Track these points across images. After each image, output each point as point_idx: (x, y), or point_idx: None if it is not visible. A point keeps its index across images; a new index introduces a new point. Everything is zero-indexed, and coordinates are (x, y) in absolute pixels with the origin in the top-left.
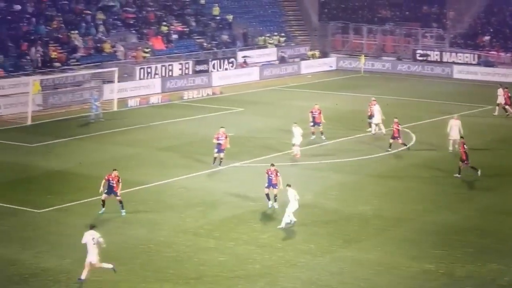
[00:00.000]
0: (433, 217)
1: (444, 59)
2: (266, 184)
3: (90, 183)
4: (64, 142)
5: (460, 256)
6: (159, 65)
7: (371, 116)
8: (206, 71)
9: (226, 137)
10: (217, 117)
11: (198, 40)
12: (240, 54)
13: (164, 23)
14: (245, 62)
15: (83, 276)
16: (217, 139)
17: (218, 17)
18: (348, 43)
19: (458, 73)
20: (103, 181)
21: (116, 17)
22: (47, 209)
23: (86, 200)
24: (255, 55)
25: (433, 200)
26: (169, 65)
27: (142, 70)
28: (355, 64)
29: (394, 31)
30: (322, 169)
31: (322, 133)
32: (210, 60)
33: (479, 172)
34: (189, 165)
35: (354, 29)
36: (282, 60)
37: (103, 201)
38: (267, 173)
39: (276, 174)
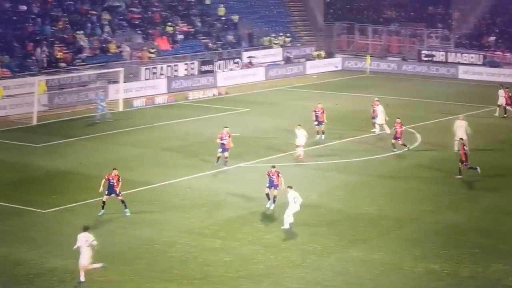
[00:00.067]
0: (438, 218)
1: (449, 60)
2: (267, 185)
3: (95, 183)
4: (69, 142)
5: (465, 256)
6: (164, 66)
7: (374, 116)
8: (212, 71)
9: (229, 137)
10: (223, 118)
11: (203, 41)
12: (245, 55)
13: (170, 23)
14: (250, 62)
15: (82, 278)
16: (221, 138)
17: (223, 18)
18: (353, 44)
19: (463, 73)
20: (103, 180)
21: (121, 17)
22: (52, 209)
23: (91, 201)
24: (261, 56)
25: (438, 201)
26: (174, 65)
27: (147, 70)
28: (361, 65)
29: (400, 31)
30: (326, 170)
31: (323, 133)
32: (215, 60)
33: (478, 170)
34: (194, 165)
35: (360, 29)
36: (287, 60)
37: (104, 202)
38: (268, 175)
39: (278, 176)
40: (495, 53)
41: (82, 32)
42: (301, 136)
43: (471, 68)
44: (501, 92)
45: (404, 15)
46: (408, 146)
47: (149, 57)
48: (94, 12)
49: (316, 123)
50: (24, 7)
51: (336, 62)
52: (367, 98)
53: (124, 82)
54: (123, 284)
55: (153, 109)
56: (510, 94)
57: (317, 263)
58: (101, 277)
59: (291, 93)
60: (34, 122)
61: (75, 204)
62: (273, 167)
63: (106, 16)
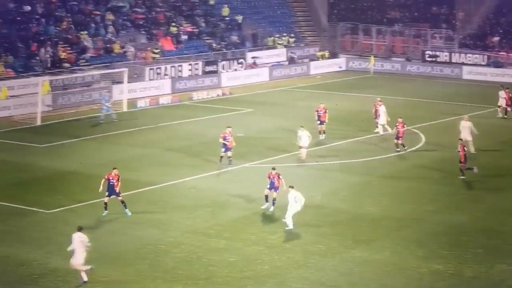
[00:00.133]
0: (442, 218)
1: (453, 60)
2: (268, 186)
3: (99, 183)
4: (73, 143)
5: (469, 256)
6: (168, 66)
7: (377, 117)
8: (216, 71)
9: (231, 136)
10: (227, 118)
11: (207, 41)
12: (249, 55)
13: (174, 23)
14: (254, 62)
15: (85, 278)
16: (224, 138)
17: (227, 18)
18: (357, 44)
19: (467, 74)
20: (103, 180)
21: (125, 17)
22: (56, 210)
23: (94, 201)
24: (265, 56)
25: (441, 201)
26: (178, 65)
27: (151, 71)
28: (365, 65)
29: (403, 32)
30: (330, 170)
31: (324, 132)
32: (219, 60)
33: (475, 170)
34: (198, 166)
35: (364, 30)
36: (291, 60)
37: (106, 203)
38: (269, 177)
39: (278, 178)
40: (499, 53)
41: (86, 32)
42: (304, 137)
43: (475, 69)
44: (502, 93)
45: (408, 15)
46: (405, 148)
47: (153, 58)
48: (98, 13)
49: (318, 122)
50: (28, 8)
51: (340, 63)
52: (371, 99)
53: (128, 82)
54: (127, 284)
55: (157, 110)
56: (510, 95)
57: (321, 264)
58: (105, 277)
59: (295, 93)
60: (38, 123)
61: (78, 204)
62: (274, 169)
63: (110, 16)
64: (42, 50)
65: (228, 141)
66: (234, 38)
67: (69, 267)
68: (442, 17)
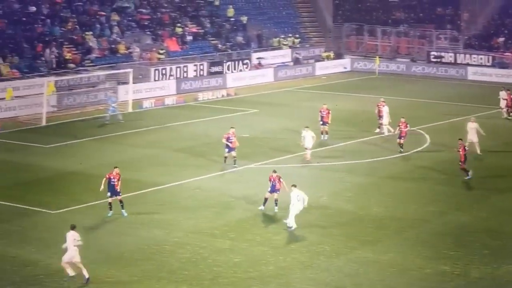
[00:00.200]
0: (448, 219)
1: (458, 61)
2: (269, 189)
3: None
4: (78, 143)
5: (475, 257)
6: (173, 67)
7: (380, 117)
8: (221, 72)
9: (235, 137)
10: (232, 119)
11: (212, 42)
12: (254, 56)
13: (179, 24)
14: (259, 63)
15: (86, 275)
16: (227, 139)
17: (232, 19)
18: (362, 45)
19: (473, 74)
20: (104, 179)
21: (130, 18)
22: (61, 210)
23: (99, 202)
24: (270, 57)
25: (447, 201)
26: (183, 66)
27: (157, 71)
28: (370, 66)
29: (408, 32)
30: (336, 171)
31: (327, 133)
32: (224, 61)
33: (470, 174)
34: (204, 166)
35: (369, 30)
36: (296, 61)
37: (110, 203)
38: (270, 180)
39: (279, 180)
40: (504, 54)
41: (91, 33)
42: (308, 137)
43: (480, 69)
44: (502, 94)
45: (413, 16)
46: (402, 149)
47: (158, 58)
48: (103, 13)
49: (321, 123)
50: (33, 8)
51: (345, 63)
52: (376, 99)
53: (134, 83)
54: (132, 284)
55: (163, 110)
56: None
57: (326, 264)
58: (110, 278)
59: (300, 94)
60: (43, 123)
61: (83, 205)
62: (274, 171)
63: (115, 17)
64: (47, 50)
65: (231, 142)
66: (239, 38)
67: (62, 265)
68: (447, 18)
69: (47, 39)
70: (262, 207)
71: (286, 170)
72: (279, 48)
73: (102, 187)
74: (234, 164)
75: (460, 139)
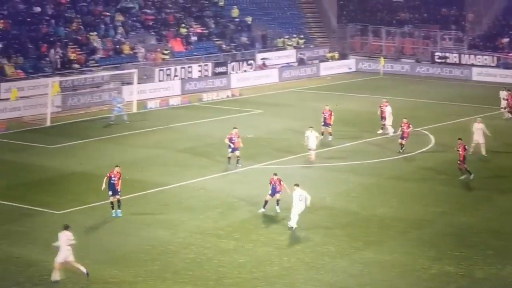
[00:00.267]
0: (451, 219)
1: (463, 61)
2: (270, 192)
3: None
4: (82, 144)
5: (480, 258)
6: (178, 67)
7: (383, 117)
8: (225, 73)
9: (238, 137)
10: (236, 119)
11: (217, 42)
12: (259, 56)
13: (183, 25)
14: (264, 64)
15: (84, 270)
16: (230, 139)
17: (237, 19)
18: (367, 45)
19: (477, 75)
20: (105, 178)
21: (135, 18)
22: (66, 211)
23: (104, 202)
24: (274, 57)
25: (451, 202)
26: (188, 67)
27: (161, 72)
28: (374, 66)
29: (413, 33)
30: (340, 171)
31: (330, 134)
32: (229, 62)
33: (471, 176)
34: (208, 167)
35: (373, 31)
36: (301, 62)
37: (112, 203)
38: (270, 183)
39: (280, 183)
40: (509, 54)
41: (95, 33)
42: (312, 137)
43: (484, 70)
44: (503, 94)
45: (418, 17)
46: (402, 151)
47: (163, 59)
48: (107, 14)
49: (323, 124)
50: (38, 9)
51: (349, 64)
52: (381, 100)
53: (138, 83)
54: (137, 285)
55: (167, 111)
56: None
57: (331, 265)
58: (115, 278)
59: (305, 94)
60: (48, 123)
61: (88, 205)
62: (275, 174)
63: (119, 17)
64: (52, 51)
65: (233, 142)
66: (244, 39)
67: (55, 265)
68: (452, 19)
69: (51, 39)
70: (262, 210)
71: (290, 170)
72: (283, 48)
73: (104, 185)
74: (237, 163)
75: (459, 138)
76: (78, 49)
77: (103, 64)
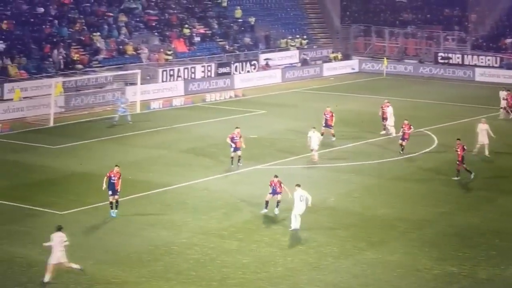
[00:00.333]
0: (455, 220)
1: (466, 62)
2: (270, 191)
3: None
4: (86, 144)
5: (483, 258)
6: (181, 68)
7: (384, 118)
8: (229, 73)
9: (240, 137)
10: (239, 119)
11: (220, 43)
12: (262, 57)
13: (187, 25)
14: (267, 64)
15: (78, 266)
16: (232, 139)
17: (240, 20)
18: (370, 46)
19: (480, 75)
20: (105, 178)
21: (138, 19)
22: (69, 211)
23: (107, 202)
24: (277, 58)
25: (454, 202)
26: (191, 67)
27: (164, 72)
28: (377, 67)
29: (416, 34)
30: (343, 172)
31: (333, 135)
32: (232, 62)
33: (457, 178)
34: (211, 167)
35: (376, 31)
36: (304, 62)
37: (111, 202)
38: (271, 185)
39: (280, 185)
40: None
41: (98, 34)
42: (314, 138)
43: (487, 71)
44: (502, 94)
45: (421, 17)
46: (403, 152)
47: (166, 59)
48: (110, 14)
49: (324, 125)
50: (41, 9)
51: (353, 64)
52: (383, 101)
53: (141, 84)
54: (140, 285)
55: (170, 111)
56: None
57: (334, 265)
58: (118, 279)
59: (308, 95)
60: (51, 124)
61: (92, 205)
62: (276, 176)
63: (122, 18)
64: (55, 51)
65: (235, 142)
66: (247, 40)
67: (47, 267)
68: (455, 19)
69: (55, 40)
70: (265, 210)
71: (293, 171)
72: (286, 49)
73: (104, 185)
74: (238, 162)
75: (458, 139)
76: (82, 50)
77: (106, 65)
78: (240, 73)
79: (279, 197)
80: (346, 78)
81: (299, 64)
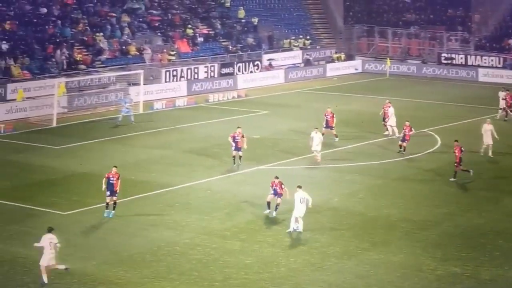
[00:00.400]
0: (459, 220)
1: (469, 62)
2: (272, 192)
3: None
4: (89, 144)
5: (486, 259)
6: (184, 68)
7: (385, 119)
8: (232, 73)
9: (242, 136)
10: (242, 120)
11: (223, 43)
12: (265, 57)
13: (190, 26)
14: (270, 65)
15: (45, 280)
16: (234, 138)
17: (243, 20)
18: (373, 46)
19: (483, 76)
20: (104, 179)
21: (141, 19)
22: (72, 211)
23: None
24: (280, 58)
25: (458, 203)
26: (194, 68)
27: (167, 72)
28: (381, 67)
29: (419, 34)
30: (346, 172)
31: (336, 136)
32: (235, 63)
33: (454, 179)
34: (214, 167)
35: (379, 32)
36: (307, 62)
37: (107, 203)
38: (272, 186)
39: (281, 187)
40: None
41: (101, 34)
42: (316, 139)
43: (491, 71)
44: (501, 95)
45: (424, 18)
46: (404, 152)
47: (169, 60)
48: (113, 14)
49: (325, 126)
50: (44, 10)
51: (356, 65)
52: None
53: (144, 84)
54: (143, 286)
55: (173, 112)
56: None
57: (338, 266)
58: (121, 279)
59: (311, 95)
60: (54, 124)
61: (94, 206)
62: (277, 178)
63: (125, 18)
64: (58, 52)
65: (236, 142)
66: (250, 40)
67: (41, 269)
68: (458, 20)
69: (58, 40)
70: (268, 211)
71: (296, 171)
72: (289, 49)
73: (104, 186)
74: (239, 161)
75: (456, 140)
76: (84, 50)
77: (109, 65)
78: (243, 73)
79: (278, 200)
80: (349, 78)
81: (302, 65)
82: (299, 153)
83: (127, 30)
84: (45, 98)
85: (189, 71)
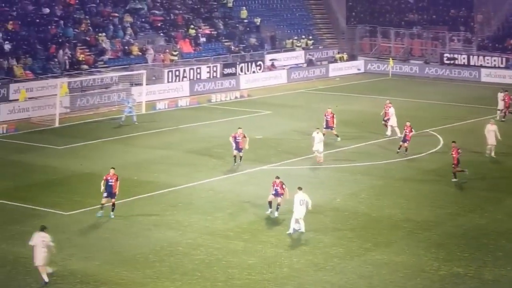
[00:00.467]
0: (462, 220)
1: (472, 63)
2: (273, 192)
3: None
4: (91, 145)
5: (489, 259)
6: (187, 68)
7: (386, 119)
8: (234, 74)
9: (244, 137)
10: (245, 120)
11: (226, 43)
12: (268, 57)
13: (192, 26)
14: (273, 65)
15: (46, 279)
16: (235, 139)
17: (246, 20)
18: (376, 47)
19: (486, 76)
20: (102, 181)
21: (143, 19)
22: (74, 211)
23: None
24: (283, 58)
25: (460, 203)
26: (197, 68)
27: (170, 73)
28: (383, 67)
29: (422, 34)
30: (349, 173)
31: (337, 136)
32: (238, 63)
33: (466, 172)
34: (217, 168)
35: (382, 32)
36: (309, 63)
37: (103, 204)
38: (273, 185)
39: (282, 187)
40: None
41: (104, 34)
42: (318, 139)
43: (493, 71)
44: (500, 96)
45: (426, 18)
46: (407, 152)
47: (172, 60)
48: (116, 15)
49: (325, 126)
50: (47, 10)
51: (358, 65)
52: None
53: (147, 84)
54: (146, 286)
55: (176, 112)
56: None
57: (341, 266)
58: (123, 280)
59: (314, 95)
60: (56, 124)
61: (97, 206)
62: (278, 178)
63: (128, 18)
64: (61, 52)
65: (237, 142)
66: (253, 40)
67: (38, 268)
68: (461, 20)
69: (60, 40)
70: (268, 211)
71: (298, 172)
72: (292, 49)
73: (103, 187)
74: (240, 161)
75: (453, 141)
76: (87, 50)
77: (111, 65)
78: (245, 73)
79: (279, 200)
80: (352, 78)
81: (305, 65)
82: (302, 153)
83: (129, 30)
84: (48, 98)
85: (191, 71)
